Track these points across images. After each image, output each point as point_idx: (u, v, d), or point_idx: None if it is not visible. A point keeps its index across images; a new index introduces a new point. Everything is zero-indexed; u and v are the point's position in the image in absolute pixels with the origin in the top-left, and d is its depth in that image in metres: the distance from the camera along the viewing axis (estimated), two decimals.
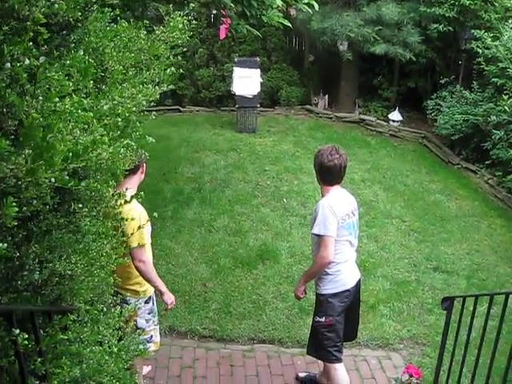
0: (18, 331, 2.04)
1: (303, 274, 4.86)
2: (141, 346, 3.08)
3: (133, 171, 3.93)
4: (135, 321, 4.18)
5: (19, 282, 2.26)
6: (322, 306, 4.52)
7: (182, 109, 13.00)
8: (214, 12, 9.49)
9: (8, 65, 1.64)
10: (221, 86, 12.94)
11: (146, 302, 4.34)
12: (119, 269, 3.81)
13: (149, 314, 4.39)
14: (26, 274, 2.26)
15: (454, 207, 8.76)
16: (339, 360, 4.59)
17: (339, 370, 4.59)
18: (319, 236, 4.37)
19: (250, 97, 11.46)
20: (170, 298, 4.42)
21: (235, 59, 11.99)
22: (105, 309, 2.87)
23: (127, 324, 3.93)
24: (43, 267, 2.33)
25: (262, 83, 11.78)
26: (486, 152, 9.45)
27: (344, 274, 4.52)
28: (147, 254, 4.26)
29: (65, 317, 2.45)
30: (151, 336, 4.43)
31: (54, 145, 1.59)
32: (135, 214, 3.86)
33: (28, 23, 1.64)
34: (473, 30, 9.82)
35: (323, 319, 4.50)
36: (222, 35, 9.99)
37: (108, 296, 3.15)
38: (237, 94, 11.51)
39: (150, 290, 4.40)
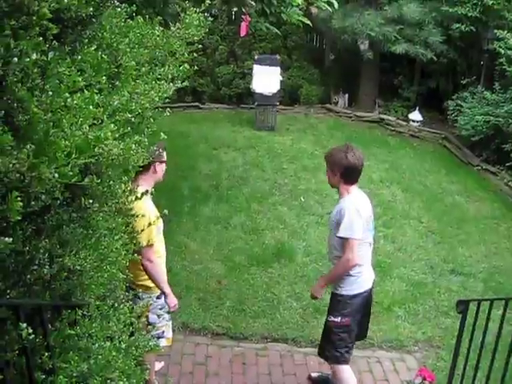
0: (24, 325, 2.04)
1: (325, 276, 4.75)
2: (151, 343, 3.07)
3: (145, 169, 3.89)
4: (147, 316, 4.18)
5: (28, 276, 2.26)
6: (340, 306, 4.47)
7: (201, 106, 13.02)
8: (235, 9, 9.50)
9: (15, 59, 1.64)
10: (241, 83, 12.93)
11: (158, 298, 4.34)
12: (131, 264, 3.84)
13: (160, 309, 4.39)
14: (36, 268, 2.27)
15: (472, 209, 8.67)
16: (347, 361, 4.56)
17: (347, 371, 4.56)
18: (344, 238, 4.33)
19: (270, 95, 11.43)
20: (172, 301, 4.40)
21: (255, 57, 11.97)
22: (116, 304, 2.87)
23: (139, 319, 3.98)
24: (53, 262, 2.33)
25: (281, 81, 11.75)
26: (506, 154, 9.35)
27: (364, 276, 4.48)
28: (157, 253, 4.25)
29: (74, 312, 2.45)
30: (163, 331, 4.42)
31: (57, 140, 1.59)
32: (145, 212, 3.85)
33: (34, 18, 1.63)
34: (495, 30, 9.70)
35: (339, 319, 4.46)
36: (243, 32, 9.98)
37: (119, 292, 3.15)
38: (256, 91, 11.49)
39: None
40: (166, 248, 6.79)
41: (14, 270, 2.26)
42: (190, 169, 9.44)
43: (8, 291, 2.23)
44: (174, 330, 5.66)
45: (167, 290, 4.38)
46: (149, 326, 4.03)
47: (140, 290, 4.23)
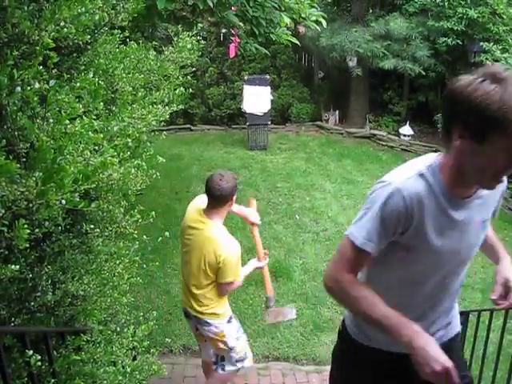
0: (31, 352, 2.05)
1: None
2: (154, 366, 3.07)
3: (223, 202, 3.96)
4: (225, 342, 4.16)
5: (32, 303, 2.27)
6: None
7: (193, 127, 13.06)
8: (224, 31, 9.58)
9: (18, 89, 1.66)
10: (231, 104, 12.99)
11: (228, 322, 4.22)
12: (200, 296, 4.01)
13: (237, 332, 4.30)
14: (39, 295, 2.28)
15: None
16: None
17: None
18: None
19: (261, 114, 11.49)
20: (257, 263, 4.52)
21: (245, 77, 12.05)
22: (118, 329, 2.87)
23: (216, 344, 4.14)
24: (56, 288, 2.34)
25: (272, 100, 11.82)
26: None
27: None
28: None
29: (78, 337, 2.46)
30: (245, 352, 4.34)
31: (64, 167, 1.61)
32: (235, 250, 3.98)
33: (37, 48, 1.66)
34: (482, 43, 9.82)
35: None
36: (232, 54, 10.08)
37: (121, 316, 3.16)
38: (247, 111, 11.55)
39: (229, 311, 4.27)
40: (164, 271, 6.83)
41: (17, 298, 2.27)
42: (184, 191, 9.44)
43: (12, 319, 2.24)
44: (174, 353, 5.68)
45: (250, 268, 4.44)
46: (231, 351, 4.20)
47: (212, 318, 4.11)
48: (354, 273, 2.27)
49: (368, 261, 2.29)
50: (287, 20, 5.95)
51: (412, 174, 2.15)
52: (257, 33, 5.97)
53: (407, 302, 2.40)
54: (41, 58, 1.71)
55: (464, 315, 4.33)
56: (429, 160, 2.24)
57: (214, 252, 3.88)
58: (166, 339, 5.31)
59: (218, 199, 3.91)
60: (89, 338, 2.54)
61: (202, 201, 4.10)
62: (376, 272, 2.40)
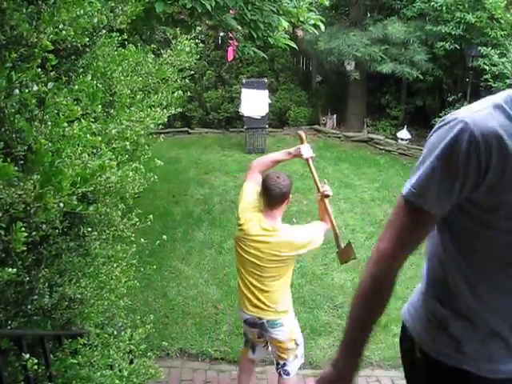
0: (27, 356, 2.04)
1: None
2: (151, 370, 3.07)
3: (283, 201, 3.98)
4: (295, 340, 4.27)
5: (29, 307, 2.27)
6: None
7: (190, 131, 13.06)
8: (222, 34, 9.58)
9: (17, 91, 1.66)
10: (229, 107, 13.00)
11: (294, 316, 4.37)
12: (276, 295, 4.09)
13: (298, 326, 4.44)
14: (36, 298, 2.28)
15: None
16: None
17: None
18: None
19: (259, 118, 11.50)
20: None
21: (243, 81, 12.06)
22: (115, 332, 2.87)
23: (286, 346, 4.22)
24: (53, 291, 2.34)
25: (270, 104, 11.83)
26: None
27: None
28: None
29: (75, 341, 2.45)
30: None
31: (62, 170, 1.61)
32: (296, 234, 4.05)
33: (36, 50, 1.66)
34: (479, 47, 9.85)
35: None
36: (230, 57, 10.08)
37: (118, 319, 3.15)
38: (245, 115, 11.55)
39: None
40: (161, 274, 6.82)
41: (14, 301, 2.26)
42: (181, 194, 9.45)
43: (9, 322, 2.23)
44: (171, 357, 5.67)
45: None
46: (298, 347, 4.34)
47: (282, 317, 4.17)
48: (406, 250, 1.73)
49: (429, 231, 1.74)
50: (285, 24, 5.96)
51: (485, 105, 1.64)
52: (255, 36, 5.98)
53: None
54: (39, 61, 1.70)
55: None
56: (508, 92, 1.70)
57: (294, 250, 4.01)
58: (163, 343, 5.30)
59: (278, 197, 3.93)
60: (86, 342, 2.53)
61: (251, 205, 4.12)
62: (452, 262, 1.79)
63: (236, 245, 4.22)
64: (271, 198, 3.94)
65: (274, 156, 4.48)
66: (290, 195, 4.07)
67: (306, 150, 4.24)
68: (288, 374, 4.36)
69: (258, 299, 4.09)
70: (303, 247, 4.05)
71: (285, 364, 4.33)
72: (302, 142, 4.31)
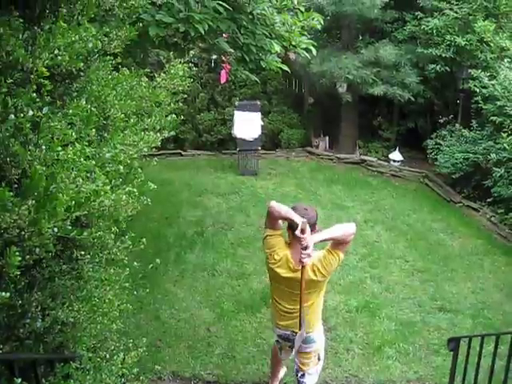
0: (19, 380, 2.02)
1: None
2: None
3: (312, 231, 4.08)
4: (318, 355, 4.59)
5: (21, 330, 2.26)
6: None
7: (183, 153, 13.07)
8: (214, 57, 9.63)
9: (12, 116, 1.67)
10: (222, 129, 13.03)
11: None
12: (315, 315, 4.36)
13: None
14: (29, 321, 2.27)
15: (457, 246, 8.73)
16: None
17: None
18: None
19: (251, 140, 11.53)
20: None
21: (236, 103, 12.10)
22: (107, 355, 2.85)
23: (310, 358, 4.52)
24: (45, 315, 2.33)
25: (262, 126, 11.87)
26: (487, 190, 9.47)
27: None
28: None
29: (67, 365, 2.44)
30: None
31: (57, 195, 1.61)
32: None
33: (32, 76, 1.67)
34: (470, 70, 9.94)
35: None
36: (223, 80, 10.11)
37: (111, 342, 3.13)
38: (238, 137, 11.58)
39: None
40: (153, 297, 6.79)
41: (6, 324, 2.25)
42: (174, 216, 9.43)
43: (1, 346, 2.22)
44: (164, 380, 5.62)
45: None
46: (320, 362, 4.63)
47: (315, 334, 4.44)
48: None
49: None
50: (278, 47, 5.99)
51: None
52: (247, 60, 6.01)
53: None
54: (35, 87, 1.71)
55: (455, 341, 4.33)
56: None
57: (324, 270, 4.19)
58: (156, 366, 5.27)
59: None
60: (78, 366, 2.51)
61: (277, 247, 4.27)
62: None
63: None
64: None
65: (290, 215, 4.24)
66: (317, 226, 4.24)
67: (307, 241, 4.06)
68: None
69: (301, 314, 4.22)
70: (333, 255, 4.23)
71: (303, 375, 4.59)
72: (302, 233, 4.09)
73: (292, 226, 4.04)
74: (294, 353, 4.53)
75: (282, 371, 5.40)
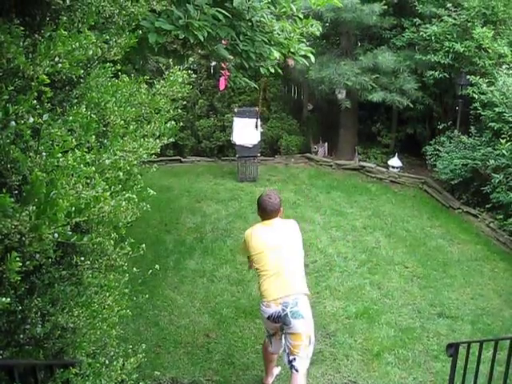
0: None
1: None
2: None
3: (279, 212, 5.09)
4: (310, 336, 4.81)
5: (21, 336, 2.26)
6: None
7: (182, 159, 13.11)
8: (214, 63, 9.65)
9: (13, 123, 1.68)
10: (221, 136, 13.07)
11: None
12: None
13: None
14: (28, 327, 2.27)
15: (456, 252, 8.74)
16: None
17: None
18: None
19: (250, 146, 11.55)
20: None
21: (235, 109, 12.14)
22: (107, 361, 2.85)
23: (302, 340, 4.74)
24: (45, 320, 2.33)
25: (261, 132, 11.89)
26: (486, 196, 9.48)
27: None
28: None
29: (67, 370, 2.44)
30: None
31: (58, 201, 1.63)
32: None
33: (33, 83, 1.69)
34: (468, 76, 9.97)
35: None
36: (222, 86, 10.13)
37: (110, 348, 3.14)
38: (237, 143, 11.60)
39: None
40: (153, 303, 6.80)
41: (6, 330, 2.25)
42: (173, 222, 9.45)
43: (0, 351, 2.22)
44: None
45: None
46: (310, 346, 4.83)
47: (302, 306, 4.76)
48: None
49: None
50: (276, 54, 6.01)
51: None
52: (246, 66, 6.03)
53: None
54: (36, 94, 1.73)
55: (453, 347, 4.34)
56: None
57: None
58: (155, 372, 5.28)
59: (273, 213, 4.95)
60: (77, 371, 2.52)
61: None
62: None
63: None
64: (268, 214, 4.97)
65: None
66: (282, 208, 5.09)
67: None
68: (297, 371, 4.74)
69: (294, 278, 4.88)
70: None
71: (294, 359, 4.73)
72: None
73: (264, 211, 4.99)
74: (284, 340, 4.91)
75: (277, 369, 5.57)
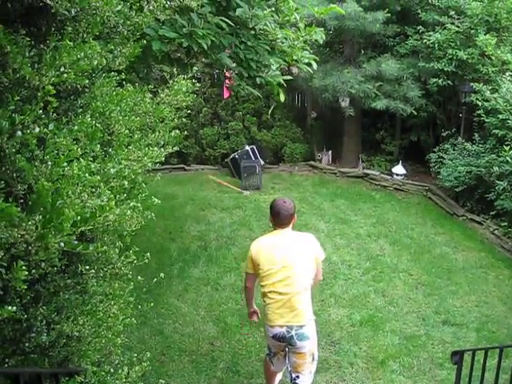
0: None
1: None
2: None
3: (292, 219, 4.84)
4: (313, 354, 4.75)
5: (27, 344, 2.27)
6: None
7: (186, 167, 13.13)
8: (217, 71, 9.67)
9: (19, 133, 1.70)
10: (225, 144, 13.09)
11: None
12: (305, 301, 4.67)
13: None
14: (34, 335, 2.28)
15: (460, 259, 8.72)
16: None
17: None
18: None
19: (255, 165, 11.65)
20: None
21: (236, 155, 12.36)
22: (112, 370, 2.86)
23: (305, 359, 4.69)
24: (51, 329, 2.34)
25: (266, 140, 11.92)
26: (490, 203, 9.47)
27: None
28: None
29: (72, 379, 2.45)
30: None
31: (64, 211, 1.64)
32: None
33: (39, 93, 1.70)
34: (472, 83, 9.98)
35: None
36: (226, 94, 10.18)
37: (115, 357, 3.14)
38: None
39: None
40: (157, 311, 6.80)
41: (11, 338, 2.26)
42: (178, 230, 9.45)
43: (6, 360, 2.23)
44: None
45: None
46: (314, 362, 4.79)
47: (308, 328, 4.65)
48: None
49: None
50: (277, 64, 6.01)
51: None
52: (246, 76, 6.03)
53: None
54: (42, 104, 1.74)
55: (458, 354, 4.33)
56: None
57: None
58: (160, 380, 5.25)
59: (286, 218, 4.69)
60: (82, 380, 2.53)
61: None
62: None
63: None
64: (281, 220, 4.69)
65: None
66: (296, 216, 4.84)
67: None
68: None
69: (296, 305, 4.62)
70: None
71: (298, 377, 4.69)
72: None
73: (277, 216, 4.74)
74: (287, 361, 4.80)
75: (279, 376, 5.51)
